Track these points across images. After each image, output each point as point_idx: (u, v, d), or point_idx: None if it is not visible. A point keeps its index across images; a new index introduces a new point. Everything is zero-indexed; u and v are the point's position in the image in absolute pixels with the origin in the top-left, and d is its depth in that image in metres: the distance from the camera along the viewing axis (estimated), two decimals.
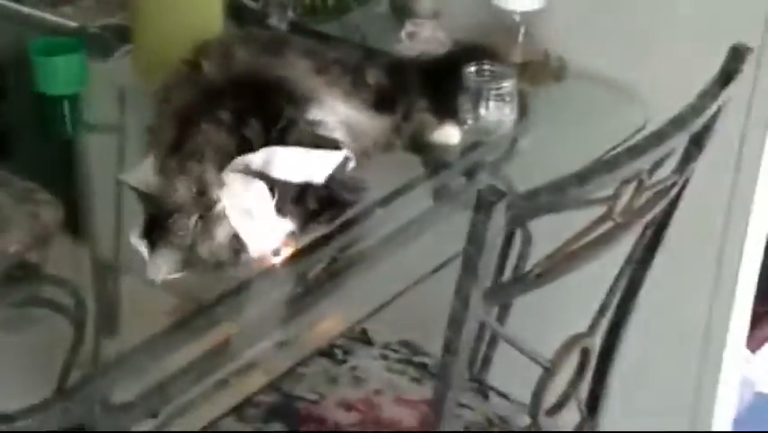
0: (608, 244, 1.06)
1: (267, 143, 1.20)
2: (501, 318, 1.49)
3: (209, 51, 1.34)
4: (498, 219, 0.91)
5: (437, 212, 1.38)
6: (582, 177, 0.96)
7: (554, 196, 0.94)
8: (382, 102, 1.39)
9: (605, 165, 0.97)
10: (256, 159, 1.19)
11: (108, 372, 1.11)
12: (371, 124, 1.37)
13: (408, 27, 1.65)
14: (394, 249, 1.28)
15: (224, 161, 1.17)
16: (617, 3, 1.61)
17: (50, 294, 1.23)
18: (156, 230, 1.15)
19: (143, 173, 1.22)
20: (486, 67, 1.41)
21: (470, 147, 1.44)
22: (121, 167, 1.45)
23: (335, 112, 1.32)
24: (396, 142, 1.40)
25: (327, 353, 1.51)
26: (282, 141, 1.22)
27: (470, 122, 1.41)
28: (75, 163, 1.54)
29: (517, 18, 1.62)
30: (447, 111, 1.42)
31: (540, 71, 1.62)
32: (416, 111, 1.42)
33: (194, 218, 1.14)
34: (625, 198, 1.03)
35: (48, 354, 1.13)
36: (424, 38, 1.65)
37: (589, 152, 1.40)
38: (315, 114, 1.27)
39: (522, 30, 1.62)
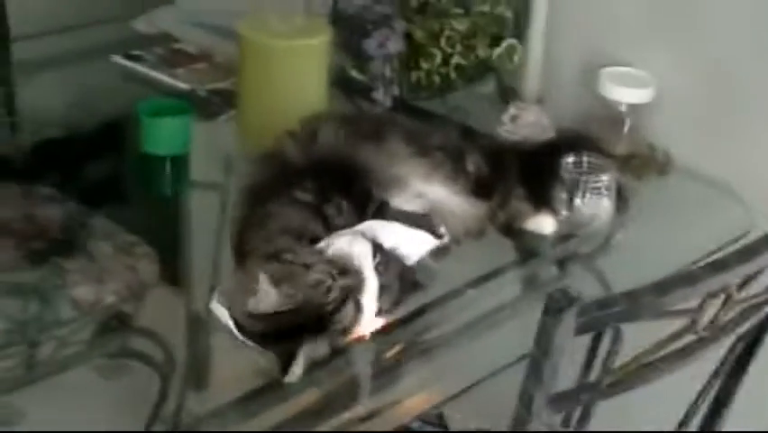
0: (690, 358, 1.01)
1: (347, 225, 1.20)
2: (581, 423, 1.44)
3: (297, 131, 1.35)
4: (568, 324, 0.88)
5: (526, 300, 1.36)
6: (661, 288, 0.92)
7: (629, 305, 0.91)
8: (480, 189, 1.38)
9: (686, 278, 0.93)
10: (361, 227, 1.19)
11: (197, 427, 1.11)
12: (466, 210, 1.36)
13: (512, 110, 1.65)
14: (479, 334, 1.27)
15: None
16: (727, 100, 1.58)
17: (141, 346, 1.24)
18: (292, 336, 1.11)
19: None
20: (585, 158, 1.39)
21: (563, 238, 1.42)
22: (222, 226, 1.47)
23: (424, 196, 1.31)
24: (488, 229, 1.39)
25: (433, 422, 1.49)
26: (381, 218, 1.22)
27: (564, 213, 1.39)
28: (177, 220, 1.57)
29: (623, 109, 1.60)
30: (544, 200, 1.40)
31: (644, 165, 1.59)
32: (512, 199, 1.41)
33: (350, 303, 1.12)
34: (710, 312, 0.99)
35: (135, 406, 1.15)
36: (527, 122, 1.64)
37: (688, 252, 1.38)
38: (399, 200, 1.27)
39: (627, 121, 1.60)
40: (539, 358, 0.89)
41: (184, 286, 1.39)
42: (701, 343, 1.02)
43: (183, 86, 1.75)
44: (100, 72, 1.82)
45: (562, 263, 1.43)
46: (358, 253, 1.16)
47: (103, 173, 1.59)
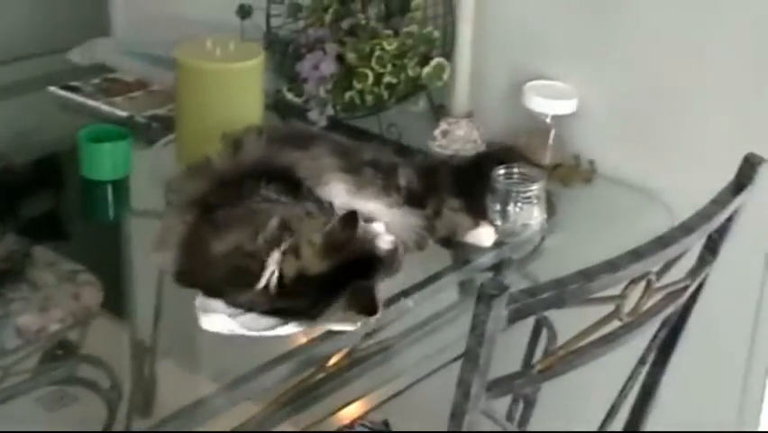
0: (615, 343, 1.07)
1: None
2: (526, 411, 1.49)
3: (224, 143, 1.38)
4: (499, 312, 0.93)
5: (462, 306, 1.37)
6: (586, 275, 0.98)
7: (557, 292, 0.96)
8: (413, 202, 1.41)
9: (609, 265, 0.99)
10: None
11: None
12: (402, 222, 1.38)
13: (443, 126, 1.70)
14: (417, 340, 1.30)
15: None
16: (646, 110, 1.64)
17: (86, 373, 1.26)
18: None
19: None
20: (515, 169, 1.43)
21: (497, 245, 1.46)
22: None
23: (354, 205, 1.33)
24: (427, 241, 1.41)
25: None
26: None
27: (498, 223, 1.42)
28: (119, 246, 1.59)
29: (549, 120, 1.65)
30: (481, 212, 1.44)
31: (570, 173, 1.65)
32: (448, 211, 1.43)
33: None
34: (632, 299, 1.05)
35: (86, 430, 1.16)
36: (457, 137, 1.69)
37: (613, 253, 1.43)
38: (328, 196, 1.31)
39: (552, 132, 1.65)
40: (474, 346, 0.94)
41: (126, 313, 1.41)
42: (626, 329, 1.08)
43: (121, 113, 1.78)
44: (38, 103, 1.85)
45: (496, 269, 1.47)
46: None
47: (44, 202, 1.61)
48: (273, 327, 1.19)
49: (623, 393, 1.22)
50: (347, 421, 1.28)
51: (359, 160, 1.41)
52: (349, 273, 1.19)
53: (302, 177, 1.32)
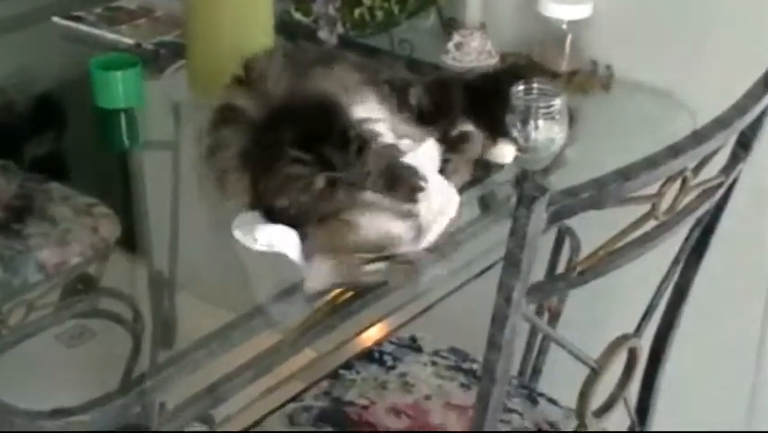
0: (652, 243, 1.06)
1: (347, 163, 1.19)
2: (551, 324, 1.49)
3: (243, 79, 1.31)
4: (540, 214, 0.92)
5: (483, 221, 1.37)
6: (625, 173, 0.96)
7: (596, 192, 0.95)
8: (424, 122, 1.37)
9: (647, 162, 0.98)
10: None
11: (164, 370, 1.11)
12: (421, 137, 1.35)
13: (455, 38, 1.67)
14: (440, 256, 1.25)
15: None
16: (663, 10, 1.61)
17: (108, 306, 1.25)
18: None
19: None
20: (534, 85, 1.39)
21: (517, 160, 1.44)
22: (176, 180, 1.48)
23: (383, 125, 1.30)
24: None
25: (377, 359, 1.53)
26: (362, 159, 1.20)
27: (520, 141, 1.39)
28: (131, 177, 1.57)
29: (564, 27, 1.62)
30: (500, 129, 1.40)
31: (587, 80, 1.63)
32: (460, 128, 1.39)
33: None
34: (669, 197, 1.04)
35: (107, 365, 1.16)
36: (471, 49, 1.66)
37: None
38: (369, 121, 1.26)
39: (569, 38, 1.62)
40: (515, 249, 0.93)
41: (143, 245, 1.40)
42: (662, 228, 1.06)
43: (127, 41, 1.75)
44: (43, 35, 1.81)
45: (517, 182, 1.43)
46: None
47: (55, 136, 1.58)
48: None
49: (659, 294, 1.21)
50: (375, 340, 1.31)
51: (375, 76, 1.37)
52: None
53: (338, 102, 1.26)
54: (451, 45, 1.67)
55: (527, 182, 0.89)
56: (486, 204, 1.43)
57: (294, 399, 1.45)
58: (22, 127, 1.56)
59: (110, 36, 1.77)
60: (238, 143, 1.24)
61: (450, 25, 1.69)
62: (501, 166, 1.40)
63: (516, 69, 1.49)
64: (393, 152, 1.22)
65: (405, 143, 1.26)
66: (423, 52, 1.68)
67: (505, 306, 0.96)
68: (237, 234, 1.19)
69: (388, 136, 1.27)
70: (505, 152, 1.39)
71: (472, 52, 1.66)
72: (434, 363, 1.52)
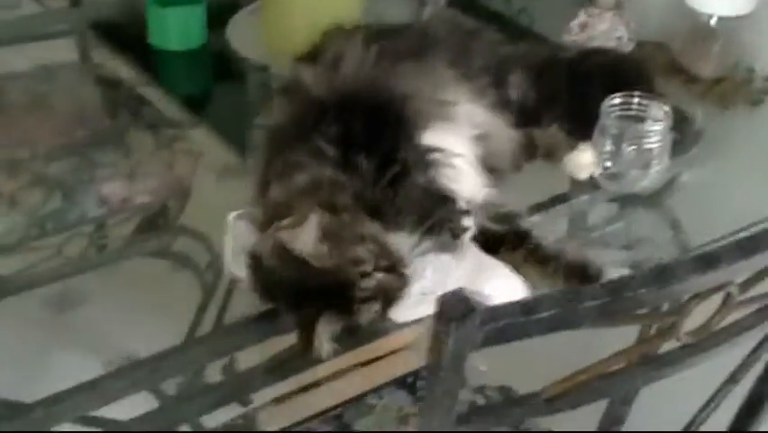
0: (675, 367, 0.79)
1: (375, 183, 1.03)
2: None
3: (317, 54, 1.17)
4: (470, 333, 0.67)
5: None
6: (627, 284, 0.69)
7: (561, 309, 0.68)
8: (523, 118, 1.21)
9: (653, 278, 0.70)
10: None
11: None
12: (510, 140, 1.19)
13: (581, 16, 1.43)
14: None
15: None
16: None
17: (181, 247, 1.16)
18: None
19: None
20: (636, 100, 1.15)
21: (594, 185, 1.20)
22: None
23: (475, 124, 1.13)
24: (522, 164, 1.21)
25: (408, 385, 1.33)
26: (391, 189, 1.04)
27: (604, 162, 1.15)
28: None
29: (714, 23, 1.42)
30: (586, 131, 1.18)
31: (734, 91, 1.38)
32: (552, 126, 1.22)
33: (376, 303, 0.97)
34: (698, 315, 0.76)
35: (175, 310, 1.08)
36: (599, 31, 1.42)
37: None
38: (438, 134, 1.09)
39: (719, 38, 1.43)
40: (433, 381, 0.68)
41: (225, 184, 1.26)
42: (689, 349, 0.79)
43: None
44: None
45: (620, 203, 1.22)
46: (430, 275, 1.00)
47: None
48: None
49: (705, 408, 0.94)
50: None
51: (472, 64, 1.21)
52: None
53: (408, 116, 1.09)
54: (575, 24, 1.44)
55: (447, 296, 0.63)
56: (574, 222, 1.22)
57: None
58: None
59: None
60: (283, 120, 1.13)
61: (579, 2, 1.45)
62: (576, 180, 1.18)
63: (641, 63, 1.29)
64: (432, 197, 1.05)
65: (443, 258, 1.04)
66: (543, 26, 1.49)
67: None
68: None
69: (458, 174, 1.09)
70: (582, 166, 1.17)
71: (599, 36, 1.43)
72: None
